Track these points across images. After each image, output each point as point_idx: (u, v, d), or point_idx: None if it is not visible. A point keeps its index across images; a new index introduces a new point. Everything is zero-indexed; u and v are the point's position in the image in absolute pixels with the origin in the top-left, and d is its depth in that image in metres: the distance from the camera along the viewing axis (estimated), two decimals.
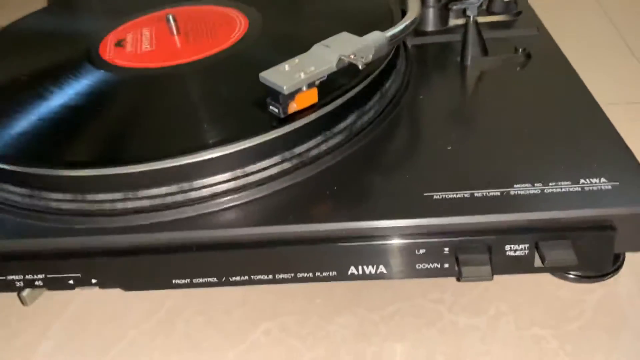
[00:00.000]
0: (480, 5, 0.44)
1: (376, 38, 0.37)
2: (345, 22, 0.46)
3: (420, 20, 0.48)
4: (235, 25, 0.47)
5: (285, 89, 0.33)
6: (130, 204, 0.34)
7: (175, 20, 0.47)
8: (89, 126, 0.38)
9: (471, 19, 0.44)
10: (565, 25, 0.52)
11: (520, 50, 0.45)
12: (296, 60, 0.35)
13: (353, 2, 0.49)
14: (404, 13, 0.45)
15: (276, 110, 0.34)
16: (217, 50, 0.44)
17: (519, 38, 0.48)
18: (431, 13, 0.50)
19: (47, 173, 0.35)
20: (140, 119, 0.38)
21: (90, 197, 0.35)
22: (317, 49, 0.36)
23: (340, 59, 0.35)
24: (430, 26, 0.51)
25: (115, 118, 0.39)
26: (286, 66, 0.35)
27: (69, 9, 0.58)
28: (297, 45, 0.42)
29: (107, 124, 0.38)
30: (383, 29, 0.42)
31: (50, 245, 0.34)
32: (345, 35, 0.37)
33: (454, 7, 0.44)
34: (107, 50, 0.46)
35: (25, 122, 0.39)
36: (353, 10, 0.48)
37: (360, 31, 0.38)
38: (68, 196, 0.35)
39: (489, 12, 0.51)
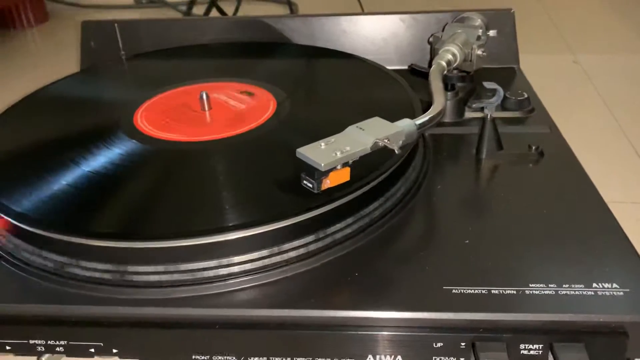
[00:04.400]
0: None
1: (407, 125, 0.39)
2: (368, 110, 0.49)
3: None
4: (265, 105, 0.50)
5: (323, 166, 0.34)
6: (157, 277, 0.36)
7: (208, 97, 0.49)
8: (123, 197, 0.40)
9: (489, 116, 0.46)
10: (575, 124, 0.55)
11: (533, 148, 0.47)
12: (332, 139, 0.36)
13: (377, 92, 0.52)
14: (422, 103, 0.47)
15: (310, 185, 0.35)
16: (247, 129, 0.46)
17: (531, 135, 0.50)
18: (449, 105, 0.53)
19: (80, 242, 0.36)
20: (169, 195, 0.40)
21: (120, 268, 0.36)
22: (351, 130, 0.37)
23: (375, 142, 0.36)
24: (447, 117, 0.53)
25: (149, 191, 0.40)
26: (322, 144, 0.36)
27: (101, 75, 0.61)
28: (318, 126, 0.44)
29: (138, 196, 0.40)
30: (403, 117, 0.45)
31: (76, 312, 0.35)
32: (377, 120, 0.39)
33: (473, 105, 0.47)
34: (141, 121, 0.48)
35: (59, 187, 0.40)
36: (376, 99, 0.51)
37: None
38: (98, 266, 0.36)
39: (503, 108, 0.54)
